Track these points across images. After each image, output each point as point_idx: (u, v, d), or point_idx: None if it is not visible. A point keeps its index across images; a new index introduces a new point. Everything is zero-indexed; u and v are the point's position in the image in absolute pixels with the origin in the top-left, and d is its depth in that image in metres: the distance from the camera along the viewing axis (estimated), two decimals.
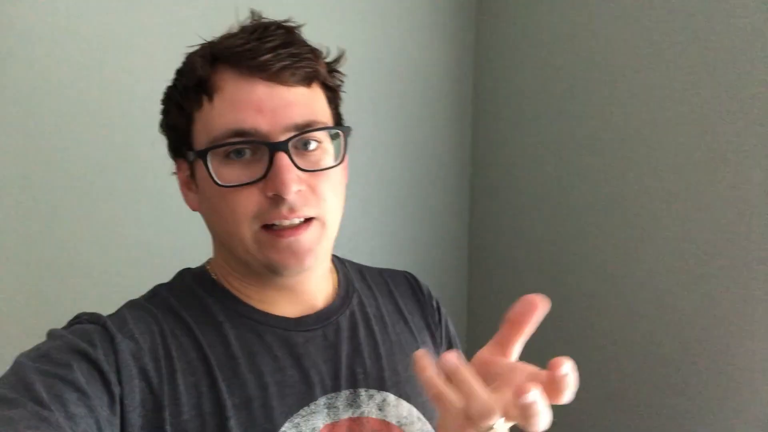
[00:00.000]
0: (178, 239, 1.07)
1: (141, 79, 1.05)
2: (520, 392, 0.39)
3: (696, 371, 1.07)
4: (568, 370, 0.41)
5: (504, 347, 0.48)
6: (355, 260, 0.76)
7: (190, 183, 0.61)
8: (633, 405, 1.18)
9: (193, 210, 0.63)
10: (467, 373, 0.43)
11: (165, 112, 0.62)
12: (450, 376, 0.43)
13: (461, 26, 1.54)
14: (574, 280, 1.29)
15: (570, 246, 1.30)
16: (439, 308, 0.75)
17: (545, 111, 1.37)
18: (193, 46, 0.61)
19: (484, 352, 0.49)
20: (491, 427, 0.42)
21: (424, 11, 1.46)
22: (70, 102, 1.00)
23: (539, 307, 0.46)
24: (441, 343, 0.73)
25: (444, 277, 1.55)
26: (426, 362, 0.44)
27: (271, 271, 0.58)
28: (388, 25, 1.40)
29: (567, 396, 0.42)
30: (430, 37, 1.48)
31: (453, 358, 0.43)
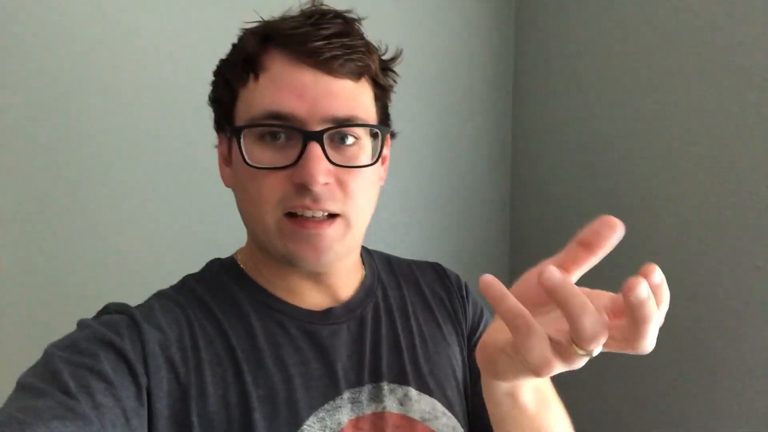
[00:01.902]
0: (209, 229, 1.06)
1: (173, 63, 1.03)
2: (629, 289, 0.34)
3: (698, 370, 1.07)
4: (661, 278, 0.36)
5: (566, 272, 0.40)
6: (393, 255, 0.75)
7: (227, 158, 0.61)
8: (637, 402, 1.19)
9: (227, 186, 0.62)
10: (574, 287, 0.36)
11: (213, 85, 0.61)
12: (550, 293, 0.36)
13: (501, 20, 1.50)
14: (616, 274, 1.29)
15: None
16: (467, 293, 0.73)
17: (586, 105, 1.34)
18: (250, 22, 0.59)
19: (535, 275, 0.41)
20: (590, 355, 0.37)
21: (463, 6, 1.42)
22: (95, 90, 0.98)
23: (617, 231, 0.39)
24: (465, 325, 0.71)
25: (484, 270, 1.54)
26: (500, 287, 0.39)
27: (288, 262, 0.57)
28: (426, 20, 1.36)
29: (664, 306, 0.37)
30: (469, 31, 1.44)
31: (554, 270, 0.36)
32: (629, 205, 1.24)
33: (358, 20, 0.59)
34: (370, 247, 0.73)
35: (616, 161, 1.27)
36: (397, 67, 0.62)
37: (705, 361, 1.07)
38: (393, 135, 0.66)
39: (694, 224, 1.10)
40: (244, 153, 0.54)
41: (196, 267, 0.64)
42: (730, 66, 1.03)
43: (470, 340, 0.70)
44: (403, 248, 1.32)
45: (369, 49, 0.58)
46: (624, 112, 1.25)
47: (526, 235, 1.54)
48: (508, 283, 1.49)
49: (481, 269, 1.51)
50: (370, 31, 0.60)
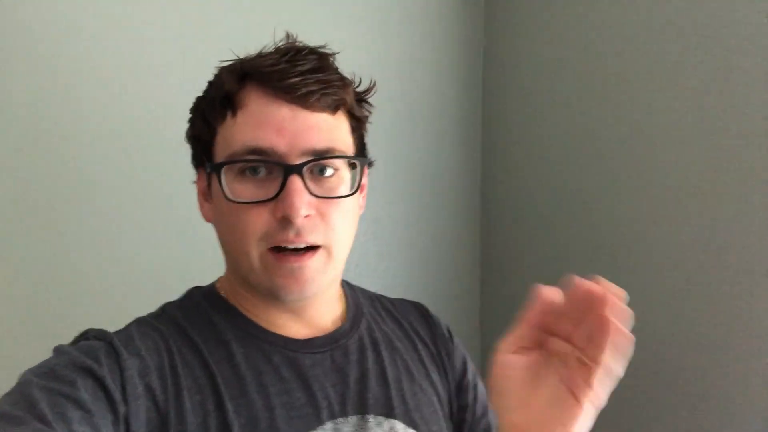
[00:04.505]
0: (188, 258, 1.05)
1: (156, 89, 1.04)
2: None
3: (701, 371, 1.08)
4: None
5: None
6: (363, 284, 0.76)
7: (207, 194, 0.62)
8: (639, 403, 1.19)
9: (207, 221, 0.63)
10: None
11: (191, 122, 0.63)
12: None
13: (469, 33, 1.52)
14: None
15: (583, 257, 1.30)
16: (451, 337, 0.73)
17: (556, 119, 1.37)
18: (226, 61, 0.61)
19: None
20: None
21: (431, 15, 1.44)
22: (78, 108, 0.98)
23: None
24: (450, 372, 0.71)
25: (456, 298, 1.52)
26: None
27: (272, 295, 0.58)
28: (393, 40, 1.38)
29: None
30: (437, 54, 1.46)
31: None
32: (605, 232, 1.26)
33: (332, 55, 0.61)
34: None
35: (589, 176, 1.29)
36: (369, 98, 0.65)
37: (710, 359, 1.08)
38: (370, 164, 0.68)
39: (680, 233, 1.12)
40: (225, 188, 0.56)
41: (175, 295, 0.64)
42: (711, 70, 1.05)
43: (460, 386, 0.71)
44: (375, 277, 1.32)
45: (344, 82, 0.60)
46: (598, 126, 1.26)
47: (498, 265, 1.55)
48: (479, 316, 1.49)
49: (452, 298, 1.51)
50: (333, 40, 0.62)
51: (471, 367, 0.73)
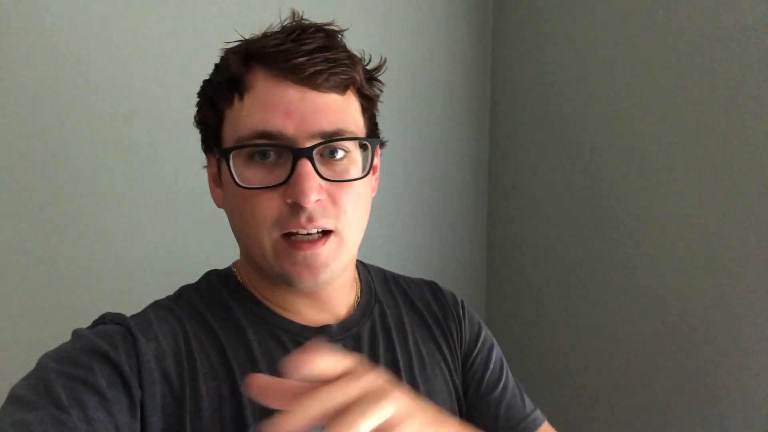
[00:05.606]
0: (205, 240, 1.05)
1: (165, 75, 1.04)
2: None
3: (704, 370, 1.08)
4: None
5: None
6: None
7: (217, 179, 0.61)
8: (643, 404, 1.19)
9: (219, 207, 0.62)
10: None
11: (199, 106, 0.61)
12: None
13: (478, 26, 1.50)
14: (592, 281, 1.30)
15: (588, 247, 1.30)
16: (464, 312, 0.72)
17: (563, 111, 1.37)
18: (231, 42, 0.60)
19: None
20: None
21: (440, 10, 1.43)
22: (89, 97, 0.98)
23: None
24: (459, 346, 0.70)
25: (462, 282, 1.53)
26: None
27: (285, 282, 0.57)
28: (402, 24, 1.36)
29: None
30: (446, 37, 1.44)
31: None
32: (607, 213, 1.25)
33: (340, 32, 0.59)
34: None
35: (595, 173, 1.29)
36: (380, 75, 0.63)
37: (712, 359, 1.07)
38: (382, 144, 0.67)
39: (682, 226, 1.11)
40: (234, 174, 0.54)
41: (193, 277, 0.64)
42: (718, 74, 1.04)
43: (467, 360, 0.70)
44: (380, 260, 1.31)
45: (353, 60, 0.58)
46: (605, 120, 1.26)
47: (503, 247, 1.55)
48: (485, 289, 1.48)
49: (458, 280, 1.51)
50: (348, 42, 0.60)
51: (486, 342, 0.72)
